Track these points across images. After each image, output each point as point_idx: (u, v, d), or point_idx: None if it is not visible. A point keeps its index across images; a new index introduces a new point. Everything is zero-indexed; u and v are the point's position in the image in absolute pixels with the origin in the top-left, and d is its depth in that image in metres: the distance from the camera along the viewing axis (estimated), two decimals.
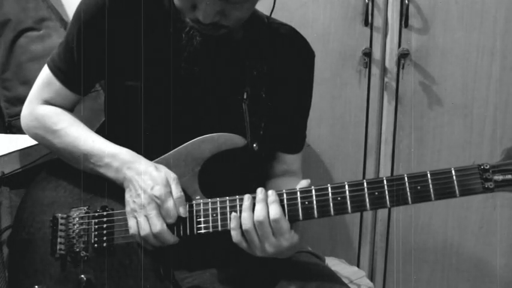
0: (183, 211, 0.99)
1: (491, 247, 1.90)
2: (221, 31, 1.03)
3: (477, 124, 1.82)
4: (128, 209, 1.01)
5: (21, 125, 1.17)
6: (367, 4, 1.77)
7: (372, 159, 1.90)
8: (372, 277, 1.99)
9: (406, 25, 1.77)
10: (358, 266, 1.96)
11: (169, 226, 0.99)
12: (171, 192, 0.99)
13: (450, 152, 1.85)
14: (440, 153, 1.86)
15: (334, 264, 1.75)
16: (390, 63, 1.82)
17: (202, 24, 0.99)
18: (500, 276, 1.92)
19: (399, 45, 1.80)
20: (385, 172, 1.89)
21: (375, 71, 1.83)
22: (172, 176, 1.01)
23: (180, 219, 0.99)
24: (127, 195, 1.02)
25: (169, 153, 1.05)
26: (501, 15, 1.74)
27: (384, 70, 1.83)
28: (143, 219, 0.98)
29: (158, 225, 0.97)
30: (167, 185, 0.99)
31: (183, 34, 1.05)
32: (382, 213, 1.94)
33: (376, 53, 1.82)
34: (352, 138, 1.90)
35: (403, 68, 1.81)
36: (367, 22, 1.79)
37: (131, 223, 1.00)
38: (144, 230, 0.98)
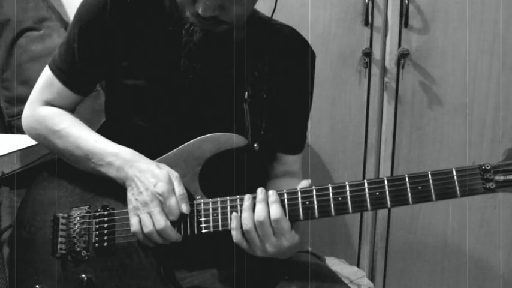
0: (185, 208, 0.99)
1: (492, 247, 1.90)
2: (221, 27, 1.02)
3: (477, 124, 1.82)
4: (130, 207, 1.01)
5: (23, 126, 1.17)
6: (367, 4, 1.77)
7: (371, 159, 1.90)
8: (371, 277, 1.98)
9: (406, 25, 1.77)
10: (358, 266, 1.96)
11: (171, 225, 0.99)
12: (173, 190, 0.99)
13: (450, 152, 1.85)
14: (440, 153, 1.86)
15: (334, 264, 1.74)
16: (390, 63, 1.82)
17: (202, 18, 0.99)
18: (501, 276, 1.92)
19: (399, 45, 1.80)
20: (385, 172, 1.89)
21: (375, 71, 1.83)
22: (174, 174, 1.01)
23: (181, 219, 0.99)
24: (129, 194, 1.02)
25: (170, 152, 1.05)
26: (501, 15, 1.74)
27: (384, 70, 1.83)
28: (146, 216, 0.98)
29: (162, 221, 0.97)
30: (170, 182, 0.99)
31: (183, 31, 1.05)
32: (382, 213, 1.93)
33: (376, 53, 1.82)
34: (352, 138, 1.90)
35: (403, 68, 1.81)
36: (367, 22, 1.79)
37: (133, 221, 1.00)
38: (148, 226, 0.98)
